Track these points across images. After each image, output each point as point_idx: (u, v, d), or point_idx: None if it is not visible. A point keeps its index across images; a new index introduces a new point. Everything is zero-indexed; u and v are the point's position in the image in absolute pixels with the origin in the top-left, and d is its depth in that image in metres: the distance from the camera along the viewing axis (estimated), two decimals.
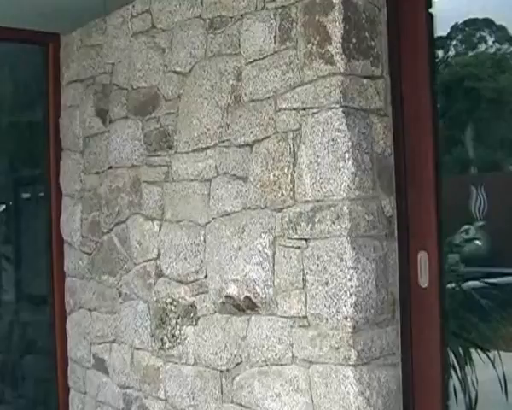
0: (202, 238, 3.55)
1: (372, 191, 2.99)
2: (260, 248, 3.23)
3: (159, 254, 3.80)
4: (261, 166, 3.22)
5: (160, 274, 3.80)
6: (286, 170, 3.13)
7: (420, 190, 3.04)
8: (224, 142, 3.43)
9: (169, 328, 3.73)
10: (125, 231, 4.01)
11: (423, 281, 3.03)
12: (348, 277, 2.92)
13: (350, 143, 2.93)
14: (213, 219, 3.49)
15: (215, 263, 3.45)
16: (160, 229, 3.80)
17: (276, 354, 3.21)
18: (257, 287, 3.24)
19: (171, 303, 3.72)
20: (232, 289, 3.34)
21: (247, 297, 3.28)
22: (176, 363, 3.72)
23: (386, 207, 3.05)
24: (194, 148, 3.57)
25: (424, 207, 3.02)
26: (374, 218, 2.99)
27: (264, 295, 3.23)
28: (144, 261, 3.90)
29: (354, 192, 2.94)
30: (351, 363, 2.93)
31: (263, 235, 3.22)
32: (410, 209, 3.07)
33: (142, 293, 3.92)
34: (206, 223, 3.53)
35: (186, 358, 3.65)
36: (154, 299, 3.82)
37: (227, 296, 3.37)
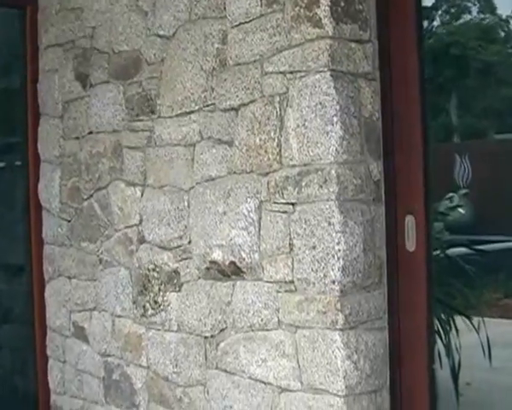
0: (186, 203, 3.54)
1: (360, 155, 3.00)
2: (246, 213, 3.22)
3: (141, 220, 3.78)
4: (247, 131, 3.21)
5: (142, 240, 3.78)
6: (272, 134, 3.12)
7: (407, 154, 3.05)
8: (208, 106, 3.40)
9: (151, 295, 3.72)
10: (106, 197, 3.98)
11: (410, 245, 3.05)
12: (336, 241, 2.93)
13: (338, 107, 2.93)
14: (197, 184, 3.47)
15: (199, 228, 3.44)
16: (142, 194, 3.78)
17: (261, 320, 3.22)
18: (242, 252, 3.24)
19: (153, 270, 3.71)
20: (217, 255, 3.34)
21: (232, 262, 3.28)
22: (158, 330, 3.72)
23: (374, 171, 3.06)
24: (178, 112, 3.55)
25: (412, 172, 3.04)
26: (362, 182, 2.99)
27: (249, 261, 3.23)
28: (126, 227, 3.87)
29: (342, 156, 2.94)
30: (338, 327, 2.95)
31: (248, 200, 3.22)
32: (397, 174, 3.08)
33: (124, 260, 3.90)
34: (190, 188, 3.51)
35: (169, 324, 3.65)
36: (136, 266, 3.81)
37: (212, 262, 3.37)
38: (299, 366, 3.08)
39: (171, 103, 3.58)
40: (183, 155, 3.54)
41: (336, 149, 2.93)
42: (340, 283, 2.94)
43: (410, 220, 3.05)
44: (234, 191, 3.28)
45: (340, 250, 2.93)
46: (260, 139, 3.16)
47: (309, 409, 3.04)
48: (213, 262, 3.36)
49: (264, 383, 3.22)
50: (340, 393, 2.95)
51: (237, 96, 3.26)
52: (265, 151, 3.15)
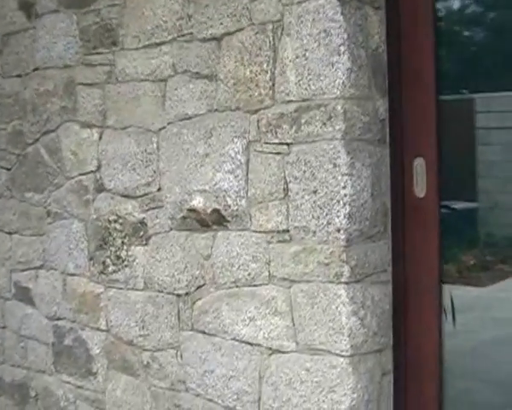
0: (155, 146, 3.18)
1: (367, 90, 2.72)
2: (232, 155, 2.90)
3: (99, 166, 3.40)
4: (235, 62, 2.88)
5: (100, 189, 3.40)
6: (265, 66, 2.80)
7: (417, 90, 2.78)
8: (184, 36, 3.05)
9: (113, 249, 3.36)
10: (56, 141, 3.57)
11: (419, 190, 2.81)
12: (342, 184, 2.65)
13: (345, 36, 2.63)
14: (170, 123, 3.12)
15: (174, 173, 3.10)
16: (100, 137, 3.39)
17: (248, 274, 2.92)
18: (228, 198, 2.92)
19: (115, 221, 3.34)
20: (197, 202, 3.00)
21: (215, 210, 2.95)
22: (121, 288, 3.36)
23: (380, 109, 2.78)
24: (146, 43, 3.17)
25: (422, 109, 2.78)
26: (369, 119, 2.72)
27: (235, 208, 2.91)
28: (80, 175, 3.48)
29: (349, 90, 2.65)
30: (343, 280, 2.68)
31: (235, 140, 2.90)
32: (405, 112, 2.82)
33: (78, 211, 3.51)
34: (160, 128, 3.16)
35: (134, 282, 3.30)
36: (94, 217, 3.43)
37: (190, 210, 3.03)
38: (293, 325, 2.80)
39: (138, 33, 3.20)
40: (152, 91, 3.18)
41: (343, 83, 2.64)
42: (345, 231, 2.66)
43: (419, 163, 2.80)
44: (217, 131, 2.94)
45: (346, 195, 2.65)
46: (251, 72, 2.83)
47: (306, 372, 2.77)
48: (192, 210, 3.03)
49: (251, 345, 2.93)
50: (344, 353, 2.68)
51: (221, 23, 2.91)
52: (256, 85, 2.82)
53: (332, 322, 2.70)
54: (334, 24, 2.63)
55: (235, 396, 2.97)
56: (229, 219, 2.93)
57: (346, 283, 2.68)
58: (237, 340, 2.97)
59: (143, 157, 3.21)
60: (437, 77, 2.78)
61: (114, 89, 3.31)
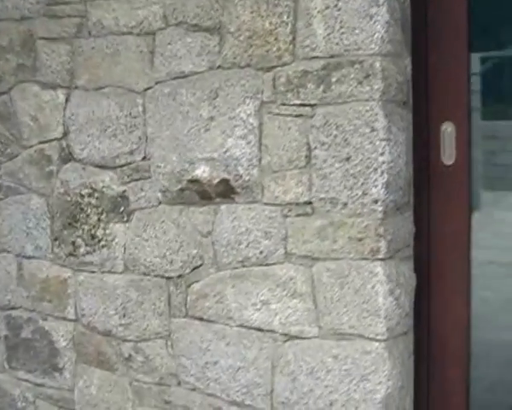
0: (141, 109, 2.81)
1: (400, 47, 2.47)
2: (244, 118, 2.58)
3: (65, 133, 2.99)
4: (251, 13, 2.55)
5: (67, 158, 3.00)
6: (285, 17, 2.50)
7: (447, 47, 2.56)
8: None
9: (86, 228, 2.96)
10: (9, 105, 3.12)
11: (447, 158, 2.60)
12: (380, 150, 2.40)
13: None
14: (159, 83, 2.76)
15: (167, 139, 2.74)
16: (67, 99, 2.98)
17: (260, 252, 2.62)
18: (240, 167, 2.60)
19: (89, 195, 2.95)
20: (201, 172, 2.66)
21: (223, 181, 2.63)
22: (93, 272, 2.98)
23: (408, 68, 2.55)
24: None
25: (452, 68, 2.57)
26: (403, 79, 2.48)
27: (247, 178, 2.60)
28: (41, 143, 3.06)
29: (387, 46, 2.40)
30: (380, 257, 2.43)
31: (247, 100, 2.58)
32: (431, 72, 2.60)
33: (38, 185, 3.08)
34: (146, 89, 2.79)
35: (112, 264, 2.93)
36: (61, 191, 3.01)
37: (191, 181, 2.69)
38: (315, 307, 2.54)
39: None
40: (136, 46, 2.80)
41: (382, 37, 2.38)
42: (383, 202, 2.42)
43: (447, 128, 2.59)
44: (224, 91, 2.62)
45: (384, 162, 2.40)
46: (270, 23, 2.52)
47: (333, 359, 2.51)
48: (194, 182, 2.69)
49: (262, 331, 2.64)
50: (379, 337, 2.45)
51: None
52: (275, 39, 2.52)
53: (366, 303, 2.46)
54: None
55: (245, 389, 2.67)
56: (238, 190, 2.62)
57: (383, 259, 2.44)
58: (245, 326, 2.67)
59: (127, 122, 2.83)
60: (469, 32, 2.57)
61: (87, 44, 2.91)
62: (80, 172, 2.96)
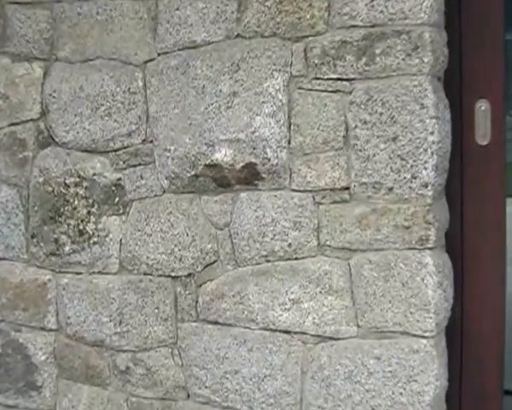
0: (140, 83, 2.98)
1: (444, 17, 2.73)
2: (273, 93, 2.79)
3: (44, 113, 3.12)
4: None
5: (46, 142, 3.14)
6: None
7: (482, 20, 2.83)
8: None
9: (72, 222, 3.11)
10: None
11: (481, 137, 2.88)
12: (430, 129, 2.65)
13: None
14: (163, 54, 2.94)
15: (177, 118, 2.91)
16: (45, 74, 3.11)
17: (289, 245, 2.84)
18: (268, 149, 2.81)
19: (76, 184, 3.09)
20: (222, 155, 2.85)
21: (249, 165, 2.83)
22: (80, 273, 3.12)
23: (443, 40, 2.81)
24: None
25: (488, 43, 2.84)
26: (447, 52, 2.74)
27: (275, 162, 2.81)
28: (12, 125, 3.18)
29: (435, 15, 2.65)
30: (429, 246, 2.68)
31: (275, 73, 2.79)
32: (465, 46, 2.86)
33: (8, 173, 3.21)
34: (147, 61, 2.97)
35: (105, 264, 3.08)
36: (40, 180, 3.14)
37: (209, 166, 2.87)
38: (353, 304, 2.78)
39: None
40: (135, 12, 2.97)
41: (431, 6, 2.63)
42: (432, 186, 2.67)
43: (482, 106, 2.86)
44: (247, 63, 2.81)
45: (434, 142, 2.65)
46: None
47: (376, 361, 2.75)
48: (212, 166, 2.87)
49: (289, 333, 2.86)
50: (428, 334, 2.70)
51: None
52: (310, 5, 2.73)
53: (414, 297, 2.70)
54: None
55: (272, 400, 2.89)
56: (264, 176, 2.83)
57: (432, 248, 2.70)
58: (270, 329, 2.88)
59: (124, 99, 2.99)
60: (506, 5, 2.86)
61: (71, 9, 3.05)
62: (64, 157, 3.10)
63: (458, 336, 2.91)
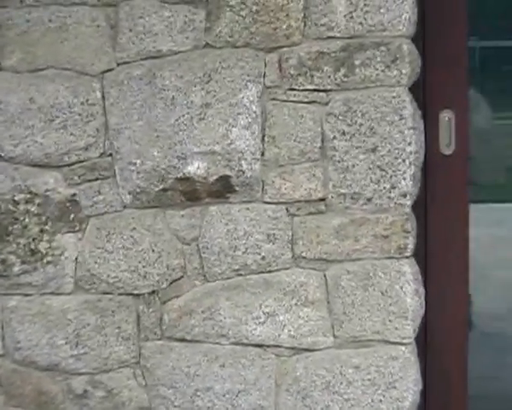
0: (98, 94, 2.85)
1: (417, 27, 2.79)
2: (248, 104, 2.76)
3: None
4: None
5: None
6: None
7: (446, 31, 2.93)
8: None
9: (22, 241, 2.97)
10: None
11: (446, 147, 2.96)
12: (408, 140, 2.75)
13: None
14: (123, 64, 2.89)
15: (142, 131, 2.86)
16: None
17: (262, 258, 2.85)
18: (243, 162, 2.77)
19: (26, 201, 2.95)
20: (195, 168, 2.79)
21: (223, 177, 2.80)
22: (30, 295, 2.97)
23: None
24: None
25: (452, 53, 2.94)
26: (421, 63, 2.80)
27: (249, 174, 2.78)
28: None
29: (412, 27, 2.73)
30: (407, 254, 2.78)
31: (249, 84, 2.75)
32: (429, 57, 2.95)
33: None
34: (105, 71, 2.87)
35: (59, 284, 2.98)
36: None
37: (181, 179, 2.80)
38: (330, 315, 2.82)
39: None
40: (92, 19, 2.89)
41: (409, 18, 2.71)
42: (411, 196, 2.75)
43: (447, 116, 2.95)
44: (220, 73, 2.80)
45: (411, 153, 2.75)
46: None
47: (355, 370, 2.83)
48: (183, 180, 2.82)
49: (262, 347, 2.87)
50: (406, 340, 2.82)
51: None
52: (287, 15, 2.75)
53: (394, 305, 2.80)
54: None
55: None
56: (237, 188, 2.81)
57: (409, 257, 2.76)
58: (242, 344, 2.89)
59: (82, 110, 2.88)
60: (468, 16, 2.96)
61: (19, 16, 2.92)
62: (11, 173, 2.97)
63: (422, 344, 2.97)
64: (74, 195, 2.96)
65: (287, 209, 2.84)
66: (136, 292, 2.94)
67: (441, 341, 3.07)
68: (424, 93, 3.03)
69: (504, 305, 5.14)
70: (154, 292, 2.94)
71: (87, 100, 2.92)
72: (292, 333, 2.86)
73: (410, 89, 2.84)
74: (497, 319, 4.89)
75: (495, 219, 5.90)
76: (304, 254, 2.84)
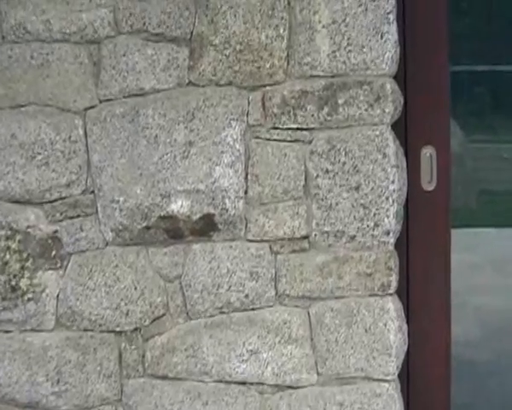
0: (81, 132, 2.84)
1: (399, 65, 2.81)
2: (231, 143, 2.75)
3: None
4: (235, 21, 2.75)
5: None
6: (281, 30, 2.75)
7: (427, 67, 2.94)
8: None
9: (3, 278, 2.97)
10: None
11: (428, 183, 2.98)
12: (391, 178, 2.76)
13: (394, 1, 2.73)
14: (106, 101, 2.88)
15: (125, 169, 2.85)
16: None
17: (245, 296, 2.86)
18: (227, 200, 2.77)
19: (7, 238, 2.93)
20: (179, 206, 2.80)
21: (206, 216, 2.80)
22: (10, 332, 2.95)
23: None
24: None
25: (432, 90, 2.96)
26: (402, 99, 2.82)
27: (233, 212, 2.78)
28: None
29: (394, 66, 2.75)
30: (390, 292, 2.81)
31: (232, 123, 2.75)
32: (410, 93, 2.96)
33: None
34: (88, 108, 2.86)
35: (40, 321, 2.97)
36: None
37: (164, 217, 2.79)
38: (314, 352, 2.83)
39: None
40: (75, 56, 2.89)
41: (392, 57, 2.74)
42: (394, 233, 2.76)
43: (428, 152, 2.97)
44: (203, 112, 2.79)
45: (394, 191, 2.77)
46: (267, 36, 2.78)
47: (339, 407, 2.82)
48: (167, 218, 2.81)
49: (246, 385, 2.87)
50: (389, 377, 2.84)
51: None
52: (270, 54, 2.76)
53: (377, 342, 2.82)
54: None
55: None
56: (220, 227, 2.80)
57: (392, 294, 2.77)
58: (225, 381, 2.88)
59: (65, 147, 2.86)
60: (449, 52, 2.99)
61: (1, 52, 2.91)
62: None
63: (405, 379, 2.98)
64: (56, 232, 2.95)
65: (270, 247, 2.86)
66: (118, 329, 2.94)
67: (424, 375, 3.09)
68: (406, 129, 3.06)
69: (477, 332, 5.21)
70: (136, 329, 2.94)
71: (69, 137, 2.91)
72: (275, 371, 2.88)
73: (391, 125, 2.88)
74: (470, 346, 4.94)
75: (467, 245, 5.96)
76: (287, 292, 2.86)
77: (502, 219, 6.99)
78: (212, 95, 2.83)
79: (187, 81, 2.85)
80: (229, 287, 2.88)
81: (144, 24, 2.85)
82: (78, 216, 2.93)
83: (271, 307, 2.87)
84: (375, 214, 2.80)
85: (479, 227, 6.52)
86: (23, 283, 2.98)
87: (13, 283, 2.98)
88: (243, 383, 2.91)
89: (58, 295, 2.96)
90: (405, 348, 2.90)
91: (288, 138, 2.82)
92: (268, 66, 2.81)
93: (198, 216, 2.85)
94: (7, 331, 2.99)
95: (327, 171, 2.81)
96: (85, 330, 2.95)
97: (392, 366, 2.83)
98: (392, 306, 2.83)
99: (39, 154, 2.93)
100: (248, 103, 2.83)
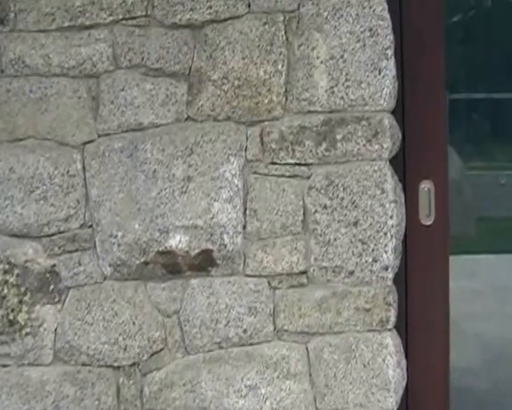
0: (79, 166, 2.83)
1: (397, 100, 2.81)
2: (230, 178, 2.75)
3: None
4: (234, 57, 2.75)
5: None
6: (280, 66, 2.76)
7: (426, 103, 2.96)
8: (135, 18, 2.78)
9: (1, 312, 2.96)
10: None
11: (426, 217, 2.97)
12: (389, 213, 2.77)
13: (391, 37, 2.73)
14: (105, 135, 2.88)
15: (123, 203, 2.85)
16: None
17: (244, 331, 2.85)
18: (225, 235, 2.76)
19: (5, 272, 2.93)
20: (177, 242, 2.79)
21: (205, 252, 2.79)
22: (7, 366, 2.94)
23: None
24: (66, 25, 2.84)
25: (430, 122, 2.96)
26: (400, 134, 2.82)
27: (231, 248, 2.77)
28: None
29: (392, 102, 2.75)
30: (389, 327, 2.81)
31: (231, 158, 2.75)
32: (408, 128, 2.96)
33: None
34: (86, 142, 2.86)
35: (37, 355, 2.95)
36: None
37: (162, 253, 2.78)
38: (312, 388, 2.82)
39: (51, 9, 2.83)
40: (74, 91, 2.87)
41: (390, 93, 2.74)
42: (392, 269, 2.77)
43: (426, 187, 2.97)
44: (202, 147, 2.79)
45: (393, 226, 2.77)
46: (265, 72, 2.79)
47: None
48: (165, 253, 2.80)
49: None
50: None
51: (209, 6, 2.72)
52: (269, 90, 2.76)
53: (376, 378, 2.81)
54: (383, 22, 2.70)
55: None
56: (218, 262, 2.80)
57: (391, 329, 2.76)
58: None
59: (63, 182, 2.86)
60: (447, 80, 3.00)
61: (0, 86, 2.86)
62: None
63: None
64: (54, 266, 2.95)
65: (268, 282, 2.86)
66: (116, 364, 2.93)
67: (423, 407, 3.11)
68: (404, 164, 3.07)
69: (477, 359, 5.21)
70: (134, 364, 2.94)
71: (67, 171, 2.92)
72: (274, 406, 2.87)
73: (389, 160, 2.88)
74: (469, 374, 4.93)
75: (466, 272, 5.97)
76: (285, 327, 2.85)
77: (501, 245, 7.03)
78: (211, 130, 2.84)
79: (185, 116, 2.87)
80: (228, 322, 2.87)
81: (143, 59, 2.87)
82: (77, 250, 2.94)
83: (270, 342, 2.87)
84: (373, 250, 2.81)
85: (478, 254, 6.55)
86: (21, 317, 2.98)
87: (11, 317, 2.97)
88: None
89: (56, 330, 2.95)
90: (404, 383, 2.90)
91: (287, 174, 2.83)
92: (266, 101, 2.83)
93: (196, 251, 2.86)
94: (4, 366, 2.99)
95: (325, 206, 2.82)
96: (83, 364, 2.95)
97: (391, 402, 2.83)
98: (391, 341, 2.83)
99: (38, 188, 2.93)
100: (247, 139, 2.84)
